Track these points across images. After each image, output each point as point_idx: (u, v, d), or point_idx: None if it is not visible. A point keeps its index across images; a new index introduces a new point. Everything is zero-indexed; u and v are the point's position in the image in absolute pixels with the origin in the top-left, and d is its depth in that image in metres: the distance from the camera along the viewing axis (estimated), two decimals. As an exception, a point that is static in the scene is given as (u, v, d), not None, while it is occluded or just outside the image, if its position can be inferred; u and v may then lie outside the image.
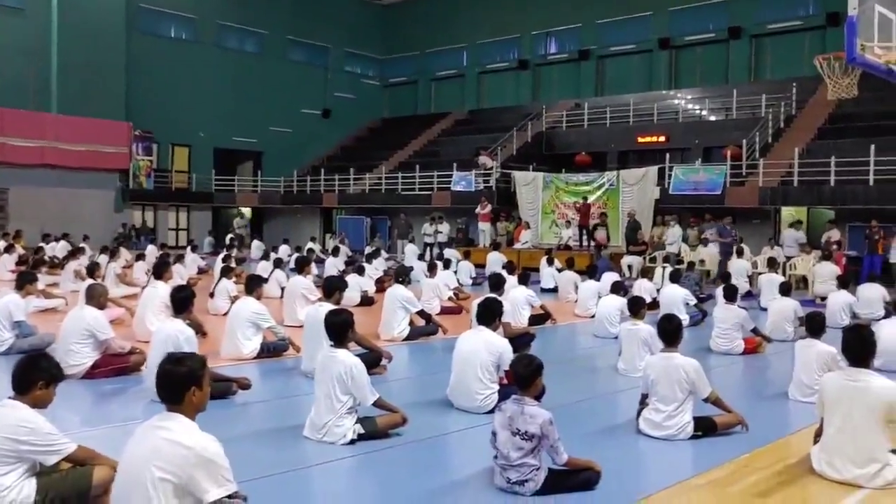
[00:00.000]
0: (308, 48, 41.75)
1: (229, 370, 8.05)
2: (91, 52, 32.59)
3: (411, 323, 10.74)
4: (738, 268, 17.50)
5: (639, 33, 34.88)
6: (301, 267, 11.84)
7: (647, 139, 29.79)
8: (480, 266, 20.76)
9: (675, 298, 12.54)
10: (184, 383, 3.43)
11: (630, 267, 22.45)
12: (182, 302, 7.18)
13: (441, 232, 28.04)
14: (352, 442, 5.65)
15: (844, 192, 21.25)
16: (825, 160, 21.64)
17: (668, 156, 25.62)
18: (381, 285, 17.01)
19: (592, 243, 23.97)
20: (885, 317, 12.71)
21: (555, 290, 17.22)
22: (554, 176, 28.31)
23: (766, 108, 26.96)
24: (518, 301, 12.02)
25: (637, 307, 8.58)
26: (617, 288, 11.64)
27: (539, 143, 32.59)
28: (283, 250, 24.78)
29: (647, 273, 16.39)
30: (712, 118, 30.00)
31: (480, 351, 6.58)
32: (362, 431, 5.69)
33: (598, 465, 4.84)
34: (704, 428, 6.02)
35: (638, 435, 6.11)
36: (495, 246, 22.97)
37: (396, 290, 10.57)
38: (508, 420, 4.65)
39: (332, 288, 8.09)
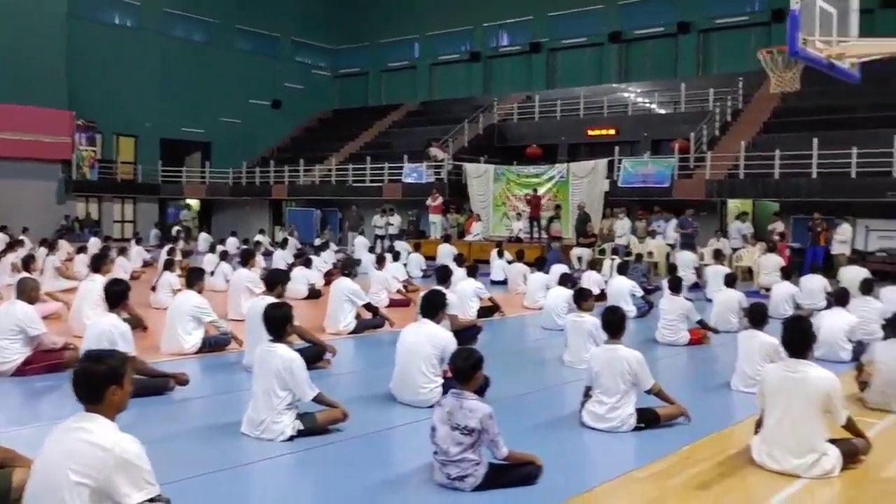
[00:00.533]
0: (257, 37, 41.15)
1: (169, 365, 7.84)
2: (30, 38, 31.66)
3: (358, 316, 10.60)
4: (685, 259, 17.69)
5: (590, 27, 35.07)
6: (246, 259, 11.60)
7: (598, 132, 30.00)
8: (431, 258, 20.69)
9: (622, 290, 12.62)
10: (103, 382, 3.25)
11: (580, 259, 22.55)
12: (117, 296, 6.95)
13: (392, 224, 27.89)
14: (290, 439, 5.51)
15: (788, 185, 21.62)
16: (770, 154, 21.99)
17: (617, 149, 25.81)
18: (329, 278, 16.82)
19: (545, 236, 23.98)
20: (827, 307, 12.96)
21: (504, 282, 17.20)
22: (505, 168, 28.33)
23: (714, 101, 27.31)
24: (466, 293, 11.99)
25: (582, 299, 8.56)
26: (565, 280, 11.65)
27: (490, 136, 32.58)
28: (231, 243, 24.38)
29: (595, 265, 16.43)
30: (661, 111, 30.29)
31: (424, 344, 6.48)
32: (301, 428, 5.56)
33: (540, 459, 4.78)
34: (647, 420, 6.01)
35: (582, 428, 6.08)
36: (446, 238, 22.91)
37: (342, 283, 10.42)
38: (447, 415, 4.56)
39: (274, 281, 7.92)
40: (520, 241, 25.24)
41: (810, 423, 4.97)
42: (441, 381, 6.55)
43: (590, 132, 30.26)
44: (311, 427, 5.59)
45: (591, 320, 8.34)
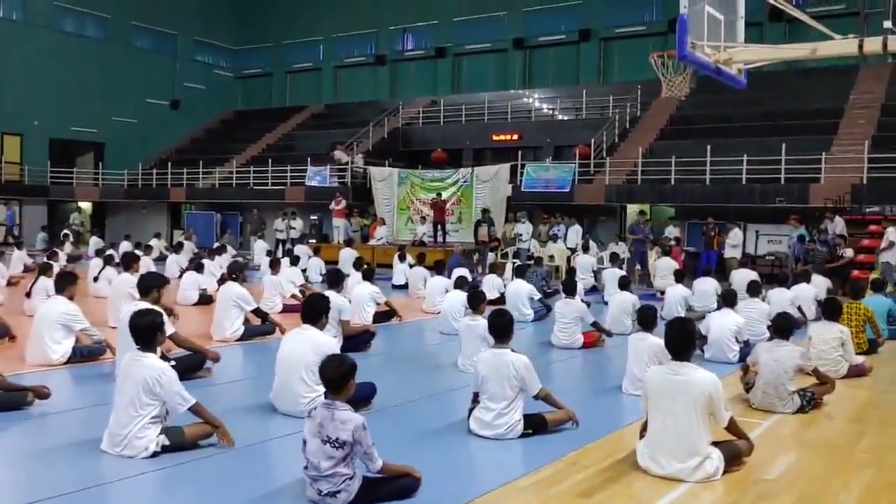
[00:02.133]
0: (155, 35, 39.86)
1: (36, 377, 7.30)
2: None
3: (247, 322, 10.18)
4: (584, 263, 17.85)
5: (494, 33, 35.29)
6: (128, 264, 10.99)
7: (502, 137, 30.23)
8: (334, 262, 20.26)
9: (520, 293, 12.57)
10: None
11: (480, 261, 22.55)
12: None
13: (294, 228, 27.33)
14: (154, 454, 5.12)
15: (683, 190, 22.17)
16: (666, 160, 22.49)
17: (520, 154, 25.96)
18: (223, 283, 16.28)
19: (473, 240, 23.66)
20: (717, 309, 13.25)
21: (406, 286, 16.99)
22: (409, 172, 28.21)
23: (614, 108, 27.85)
24: (362, 298, 11.72)
25: (477, 302, 8.40)
26: (461, 283, 11.49)
27: (396, 139, 32.40)
28: (124, 247, 23.37)
29: (496, 269, 16.38)
30: (563, 118, 30.71)
31: (305, 352, 6.17)
32: (167, 443, 5.17)
33: (417, 470, 4.54)
34: (535, 425, 5.87)
35: (468, 435, 5.89)
36: (348, 242, 22.53)
37: (229, 288, 9.97)
38: (318, 427, 4.28)
39: (147, 286, 7.45)
40: (423, 244, 25.09)
41: (693, 426, 4.91)
42: (323, 390, 6.24)
43: (494, 137, 30.45)
44: (179, 442, 5.21)
45: (484, 323, 8.16)
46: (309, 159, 29.72)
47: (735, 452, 5.18)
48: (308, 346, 6.17)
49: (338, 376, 4.33)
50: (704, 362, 9.24)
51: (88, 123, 36.37)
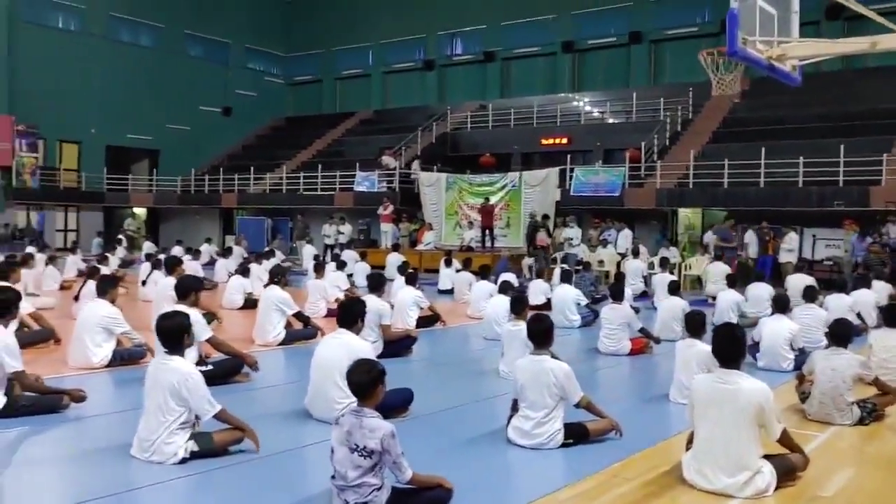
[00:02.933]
0: (208, 43, 40.44)
1: (76, 381, 7.30)
2: (-31, 41, 30.75)
3: (289, 326, 10.11)
4: (634, 268, 17.48)
5: (543, 36, 34.97)
6: (171, 268, 11.03)
7: (551, 141, 29.88)
8: (380, 267, 20.19)
9: (566, 299, 12.32)
10: None
11: (530, 268, 22.28)
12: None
13: (343, 233, 27.42)
14: (183, 461, 5.02)
15: (737, 193, 21.61)
16: (719, 163, 21.96)
17: (569, 157, 25.62)
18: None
19: (531, 246, 23.42)
20: (771, 315, 12.81)
21: (452, 291, 16.82)
22: (457, 177, 28.07)
23: (665, 111, 27.32)
24: (405, 302, 11.58)
25: (520, 307, 8.19)
26: (505, 288, 11.26)
27: (444, 144, 32.30)
28: (176, 252, 23.68)
29: (543, 274, 16.12)
30: (613, 121, 30.26)
31: (340, 356, 6.02)
32: (196, 449, 5.07)
33: (449, 482, 4.35)
34: (576, 435, 5.64)
35: (507, 444, 5.68)
36: (394, 247, 22.47)
37: (271, 292, 9.92)
38: (346, 435, 4.12)
39: (185, 289, 7.41)
40: (471, 250, 24.92)
41: (742, 438, 4.63)
42: (358, 395, 6.11)
43: (543, 141, 30.13)
44: (208, 448, 5.11)
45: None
46: (357, 164, 29.79)
47: (788, 467, 4.88)
48: (343, 350, 6.03)
49: (366, 382, 4.16)
50: (757, 371, 8.91)
51: (143, 131, 36.99)
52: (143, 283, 14.62)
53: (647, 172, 24.21)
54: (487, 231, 25.30)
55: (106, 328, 8.05)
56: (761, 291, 13.61)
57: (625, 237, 22.01)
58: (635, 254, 18.41)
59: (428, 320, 11.88)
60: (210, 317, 11.08)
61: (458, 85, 38.09)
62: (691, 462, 4.85)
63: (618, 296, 10.10)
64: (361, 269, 19.21)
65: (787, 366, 8.72)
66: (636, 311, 13.40)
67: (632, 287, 17.37)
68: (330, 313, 12.84)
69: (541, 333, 5.76)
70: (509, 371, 8.00)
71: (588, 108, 31.63)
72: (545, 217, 23.29)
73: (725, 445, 4.66)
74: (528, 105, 31.56)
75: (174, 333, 5.14)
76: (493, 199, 26.11)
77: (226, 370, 7.35)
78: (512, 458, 5.50)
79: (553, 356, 8.16)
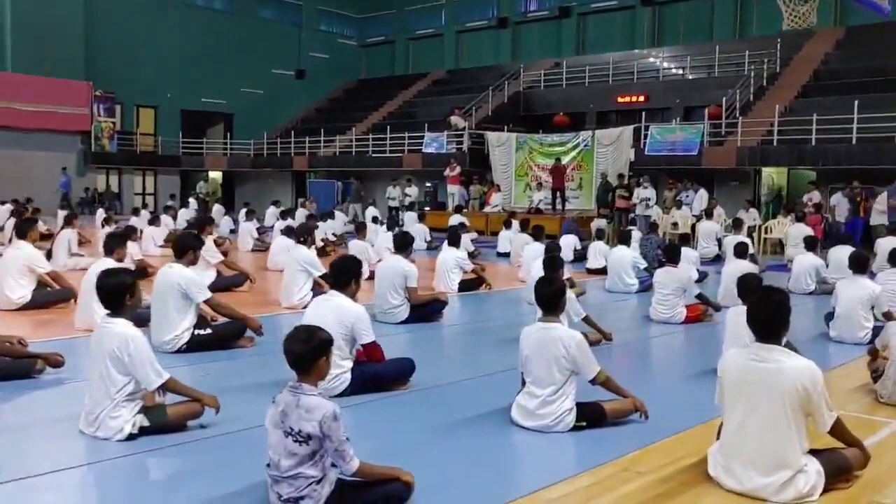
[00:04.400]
0: (280, 6, 40.21)
1: (82, 342, 6.84)
2: (47, 8, 31.15)
3: (316, 287, 9.49)
4: (706, 230, 16.32)
5: (621, -10, 33.33)
6: (201, 228, 10.55)
7: (627, 99, 28.50)
8: (443, 230, 19.53)
9: (623, 261, 11.36)
10: None
11: (600, 230, 21.19)
12: None
13: (409, 195, 26.86)
14: (131, 437, 4.43)
15: (826, 151, 19.98)
16: (807, 118, 20.33)
17: (644, 116, 24.27)
18: (323, 250, 15.91)
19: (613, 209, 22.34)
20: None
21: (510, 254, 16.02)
22: (528, 137, 27.09)
23: (749, 65, 25.54)
24: (447, 264, 10.89)
25: (553, 267, 7.33)
26: (552, 249, 10.32)
27: (516, 104, 31.22)
28: (242, 215, 23.57)
29: (603, 236, 15.11)
30: (693, 77, 28.57)
31: (328, 320, 5.32)
32: (146, 424, 4.47)
33: (408, 474, 3.61)
34: (591, 417, 4.81)
35: (510, 426, 4.90)
36: (457, 209, 21.73)
37: (297, 252, 9.31)
38: (281, 416, 3.42)
39: (183, 247, 6.82)
40: (540, 212, 23.99)
41: (782, 429, 3.73)
42: (349, 365, 5.42)
43: (619, 99, 28.76)
44: (161, 423, 4.50)
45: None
46: (426, 125, 29.07)
47: (842, 465, 3.95)
48: (332, 314, 5.34)
49: (305, 353, 3.44)
50: (830, 342, 7.85)
51: (217, 95, 37.04)
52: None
53: (728, 130, 22.67)
54: (558, 192, 24.29)
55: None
56: (844, 255, 12.27)
57: (701, 198, 20.63)
58: (708, 215, 17.15)
59: (472, 283, 11.14)
60: (242, 277, 10.65)
61: (532, 43, 36.77)
62: (718, 456, 3.97)
63: (673, 258, 9.09)
64: (420, 231, 18.57)
65: (864, 336, 7.60)
66: (703, 276, 12.43)
67: (704, 250, 16.31)
68: (371, 276, 12.24)
69: (549, 298, 4.93)
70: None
71: (667, 64, 29.95)
72: (620, 177, 22.13)
73: (760, 438, 3.77)
74: (604, 62, 30.11)
75: (114, 293, 4.51)
76: (564, 160, 25.06)
77: (226, 334, 6.79)
78: (511, 442, 4.71)
79: (591, 323, 7.40)
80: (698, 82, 27.78)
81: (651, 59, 30.44)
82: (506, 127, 28.10)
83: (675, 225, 20.08)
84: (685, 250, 12.65)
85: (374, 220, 19.55)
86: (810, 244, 11.62)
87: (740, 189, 22.80)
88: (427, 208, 26.71)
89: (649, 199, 20.78)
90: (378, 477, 3.51)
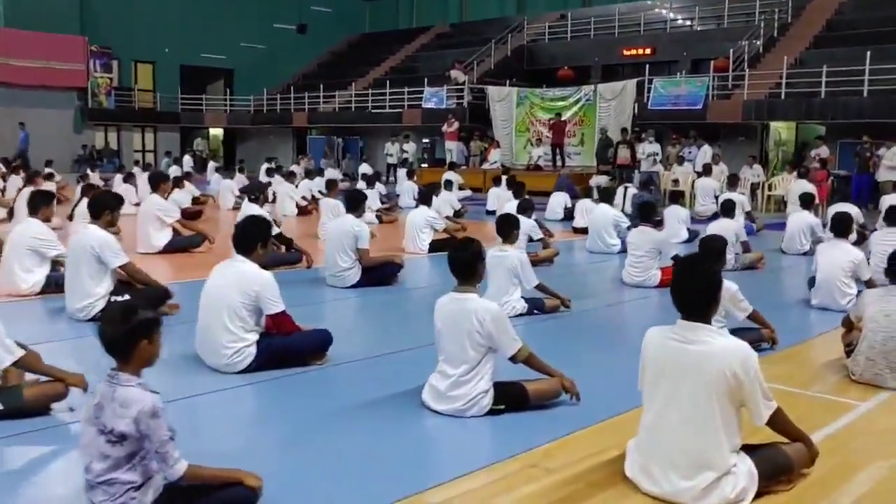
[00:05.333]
0: (281, -43, 39.04)
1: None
2: (39, -41, 30.35)
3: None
4: (704, 187, 15.59)
5: (629, -64, 32.00)
6: (156, 184, 10.00)
7: (633, 52, 27.52)
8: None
9: (605, 220, 10.69)
10: None
11: (598, 188, 20.47)
12: None
13: (406, 152, 26.19)
14: (-23, 422, 3.91)
15: (836, 104, 19.08)
16: (816, 70, 19.39)
17: (648, 69, 23.36)
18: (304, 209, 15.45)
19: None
20: (856, 243, 10.89)
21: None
22: (529, 91, 26.27)
23: (760, 15, 24.47)
24: (416, 224, 10.30)
25: (506, 228, 6.71)
26: (524, 208, 9.69)
27: (520, 57, 30.29)
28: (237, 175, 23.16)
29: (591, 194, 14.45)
30: (701, 28, 27.49)
31: (230, 289, 4.78)
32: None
33: (254, 477, 3.04)
34: (511, 398, 4.23)
35: (421, 410, 4.33)
36: (451, 166, 21.03)
37: (248, 211, 8.72)
38: (96, 410, 2.86)
39: (98, 208, 6.24)
40: (539, 168, 23.29)
41: (706, 423, 3.13)
42: (254, 338, 4.86)
43: (625, 52, 27.77)
44: (15, 406, 3.98)
45: (516, 255, 6.56)
46: (426, 80, 28.25)
47: (781, 463, 3.34)
48: (234, 281, 4.78)
49: (119, 336, 2.85)
50: (812, 310, 7.23)
51: (217, 50, 36.21)
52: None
53: (735, 83, 21.76)
54: (558, 149, 23.53)
55: (35, 250, 7.02)
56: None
57: (704, 154, 19.78)
58: (707, 171, 16.38)
59: (445, 244, 10.52)
60: (200, 237, 10.12)
61: (539, -6, 35.62)
62: (635, 454, 3.39)
63: (647, 216, 8.43)
64: (409, 189, 17.96)
65: (847, 303, 6.91)
66: (694, 235, 11.75)
67: (702, 207, 15.64)
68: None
69: (463, 265, 4.32)
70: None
71: (674, 15, 28.85)
72: (624, 132, 21.32)
73: (681, 433, 3.18)
74: (610, 14, 29.07)
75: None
76: (566, 115, 24.30)
77: (143, 302, 6.22)
78: (415, 430, 4.13)
79: (545, 290, 6.80)
80: (707, 34, 26.73)
81: (658, 10, 29.33)
82: (508, 81, 27.24)
83: (675, 182, 19.38)
84: (675, 208, 12.05)
85: (364, 176, 18.90)
86: (806, 201, 10.88)
87: (747, 145, 21.94)
88: (425, 164, 26.10)
89: (657, 154, 19.93)
90: (214, 480, 2.96)
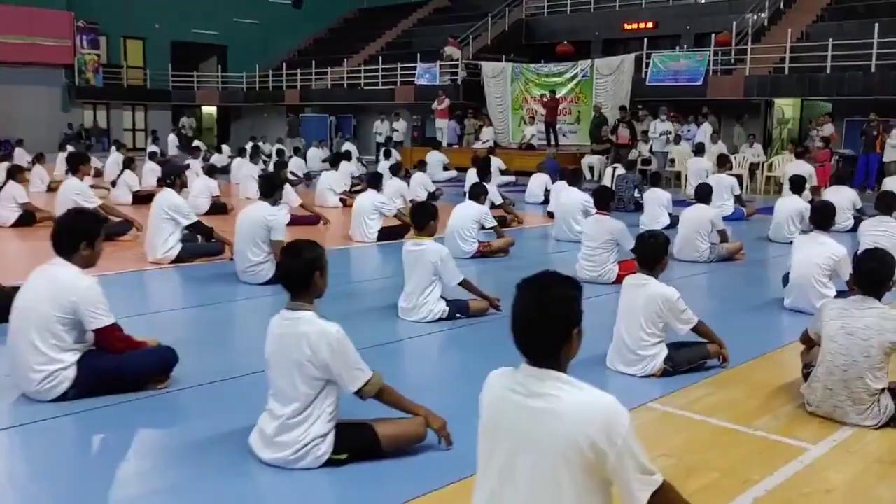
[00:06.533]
0: (276, -72, 37.92)
1: None
2: (22, -69, 29.41)
3: (188, 240, 8.05)
4: (696, 168, 14.52)
5: None
6: (76, 167, 9.13)
7: (634, 26, 26.33)
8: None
9: (572, 205, 9.69)
10: None
11: (591, 168, 19.51)
12: None
13: (396, 130, 25.25)
14: None
15: (842, 80, 17.93)
16: (823, 44, 18.24)
17: (645, 43, 22.24)
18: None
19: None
20: (853, 230, 9.94)
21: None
22: (524, 66, 25.15)
23: (766, -14, 23.22)
24: (363, 209, 9.38)
25: (421, 218, 5.78)
26: (476, 193, 8.72)
27: (518, 32, 29.12)
28: (225, 150, 22.53)
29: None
30: (706, 1, 26.24)
31: (41, 301, 3.90)
32: None
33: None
34: (356, 445, 3.30)
35: (248, 457, 3.45)
36: (435, 145, 20.07)
37: (162, 197, 7.80)
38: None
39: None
40: (532, 147, 22.28)
41: (554, 492, 2.22)
42: (72, 358, 3.98)
43: (626, 26, 26.59)
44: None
45: (431, 248, 5.64)
46: (419, 56, 27.22)
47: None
48: (46, 290, 3.90)
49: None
50: (784, 313, 6.29)
51: (209, 25, 35.22)
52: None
53: (739, 58, 20.62)
54: (550, 128, 22.52)
55: None
56: (842, 198, 10.64)
57: (704, 133, 18.67)
58: (699, 150, 15.34)
59: (395, 230, 9.62)
60: (126, 225, 9.28)
61: (540, -35, 34.30)
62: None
63: (603, 203, 7.43)
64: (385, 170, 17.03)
65: (823, 308, 5.98)
66: (676, 220, 10.77)
67: (693, 190, 14.60)
68: (294, 221, 10.78)
69: (292, 275, 3.36)
70: (406, 307, 5.78)
71: (678, -15, 27.55)
72: (622, 109, 20.28)
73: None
74: (611, -15, 27.85)
75: None
76: (561, 92, 23.25)
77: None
78: (239, 483, 3.26)
79: (470, 288, 5.91)
80: (711, 6, 25.50)
81: (661, -19, 28.03)
82: (504, 57, 26.16)
83: (672, 162, 18.38)
84: (655, 191, 11.09)
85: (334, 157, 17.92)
86: (796, 185, 9.85)
87: (750, 123, 20.82)
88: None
89: (669, 133, 18.73)
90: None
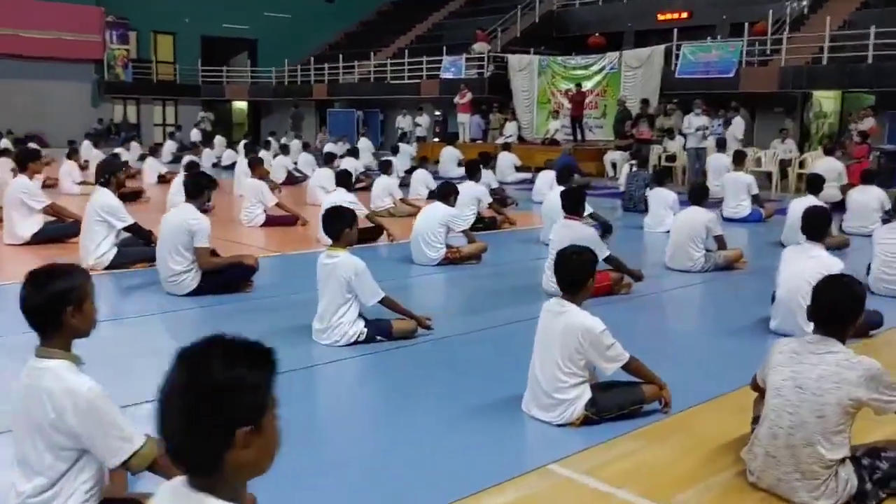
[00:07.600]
0: (309, -79, 37.41)
1: None
2: (54, -72, 29.39)
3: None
4: (717, 166, 13.48)
5: None
6: (23, 164, 8.56)
7: (668, 17, 25.24)
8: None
9: (557, 206, 8.79)
10: None
11: (614, 165, 18.54)
12: None
13: (419, 125, 24.59)
14: None
15: (884, 70, 16.67)
16: (865, 32, 17.01)
17: (677, 33, 21.14)
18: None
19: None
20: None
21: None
22: (550, 60, 24.27)
23: (808, -28, 21.94)
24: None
25: (336, 225, 4.99)
26: (447, 192, 7.87)
27: (548, 24, 28.19)
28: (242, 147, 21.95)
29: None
30: (743, -12, 24.96)
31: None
32: None
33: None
34: None
35: None
36: (450, 141, 19.30)
37: (96, 198, 7.14)
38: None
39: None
40: (556, 143, 21.36)
41: None
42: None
43: (660, 17, 25.49)
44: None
45: (344, 261, 4.88)
46: (444, 49, 26.48)
47: None
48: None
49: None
50: (769, 336, 5.39)
51: (239, 20, 34.93)
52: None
53: (774, 48, 19.43)
54: (577, 122, 21.61)
55: None
56: (869, 198, 9.64)
57: (737, 125, 17.30)
58: (720, 146, 14.28)
59: (368, 234, 8.85)
60: (76, 226, 8.66)
61: (575, -45, 33.24)
62: None
63: (572, 207, 6.58)
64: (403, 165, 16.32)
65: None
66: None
67: (714, 188, 13.58)
68: (270, 221, 10.14)
69: (36, 312, 2.60)
70: (320, 331, 5.03)
71: (714, -27, 26.30)
72: (645, 103, 19.23)
73: None
74: (645, -26, 26.72)
75: None
76: (587, 85, 22.36)
77: None
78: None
79: (393, 307, 5.12)
80: (748, -6, 24.25)
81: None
82: (532, 50, 25.28)
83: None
84: (661, 191, 10.17)
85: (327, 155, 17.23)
86: (813, 184, 8.82)
87: (783, 118, 19.60)
88: (437, 139, 24.45)
89: (705, 129, 17.28)
90: None
